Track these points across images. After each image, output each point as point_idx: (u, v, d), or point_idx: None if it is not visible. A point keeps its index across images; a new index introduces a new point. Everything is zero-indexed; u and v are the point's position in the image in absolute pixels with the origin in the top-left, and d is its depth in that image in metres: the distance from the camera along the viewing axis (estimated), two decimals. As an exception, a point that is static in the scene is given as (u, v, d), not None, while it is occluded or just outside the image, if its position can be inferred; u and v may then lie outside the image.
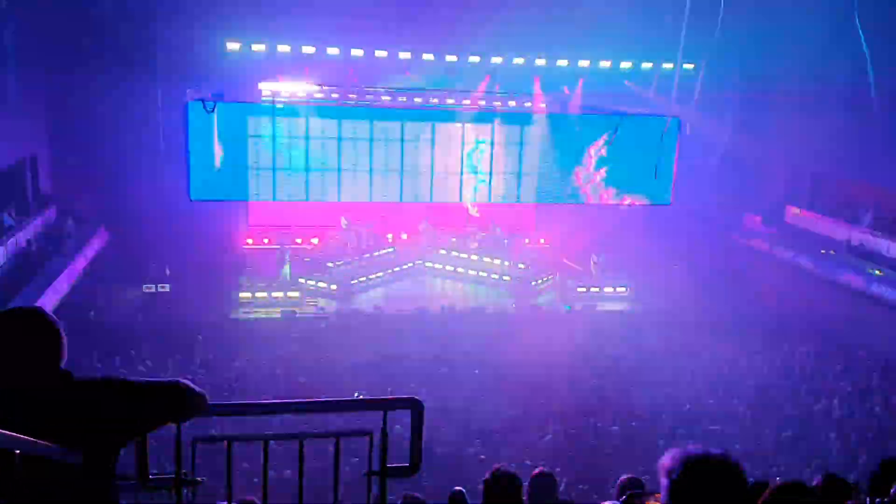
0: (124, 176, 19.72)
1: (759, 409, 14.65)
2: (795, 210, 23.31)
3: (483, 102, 23.92)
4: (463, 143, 24.78)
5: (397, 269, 22.56)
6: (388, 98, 23.17)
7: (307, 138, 23.64)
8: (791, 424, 13.95)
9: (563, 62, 22.75)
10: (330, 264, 21.91)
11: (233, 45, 20.89)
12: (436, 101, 23.58)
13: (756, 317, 19.39)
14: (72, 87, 19.62)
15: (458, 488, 4.34)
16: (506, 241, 23.71)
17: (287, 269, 21.28)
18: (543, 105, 24.37)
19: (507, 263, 22.77)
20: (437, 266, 22.93)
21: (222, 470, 2.98)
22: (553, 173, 25.53)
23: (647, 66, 22.95)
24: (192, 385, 2.58)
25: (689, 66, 22.75)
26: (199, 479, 3.00)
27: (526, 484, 4.56)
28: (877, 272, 18.97)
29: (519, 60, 22.60)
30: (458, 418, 13.16)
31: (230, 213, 23.08)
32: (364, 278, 21.61)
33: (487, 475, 4.25)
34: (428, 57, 22.20)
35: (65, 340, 2.45)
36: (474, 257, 23.07)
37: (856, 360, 17.53)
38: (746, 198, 24.11)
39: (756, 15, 19.94)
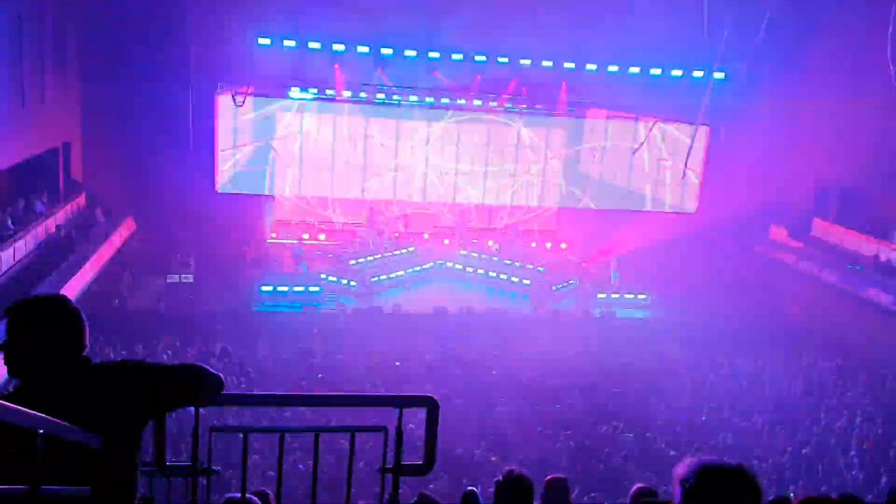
0: (153, 167, 19.98)
1: (778, 423, 14.46)
2: (823, 223, 23.00)
3: (510, 104, 23.91)
4: (489, 144, 24.81)
5: (418, 268, 22.60)
6: (416, 98, 23.23)
7: (334, 135, 23.80)
8: (810, 441, 13.76)
9: (592, 66, 22.62)
10: (352, 262, 22.03)
11: (264, 41, 21.06)
12: (463, 101, 23.59)
13: (779, 330, 19.16)
14: (106, 78, 19.95)
15: (470, 488, 4.34)
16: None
17: (304, 264, 21.48)
18: (571, 109, 24.31)
19: (528, 266, 22.71)
20: (457, 267, 22.94)
21: (236, 461, 3.01)
22: (576, 177, 25.49)
23: (677, 73, 22.77)
24: (206, 367, 2.63)
25: (720, 76, 22.58)
26: (215, 468, 3.03)
27: (539, 489, 4.55)
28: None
29: (547, 63, 22.52)
30: (471, 420, 13.16)
31: (255, 206, 23.31)
32: (384, 276, 21.69)
33: (500, 477, 4.25)
34: (457, 57, 22.22)
35: (86, 329, 2.50)
36: (495, 259, 23.06)
37: (879, 377, 17.25)
38: (773, 209, 23.84)
39: (789, 27, 19.73)
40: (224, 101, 21.84)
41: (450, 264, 23.02)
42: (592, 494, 10.26)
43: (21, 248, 15.65)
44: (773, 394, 16.05)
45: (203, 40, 20.58)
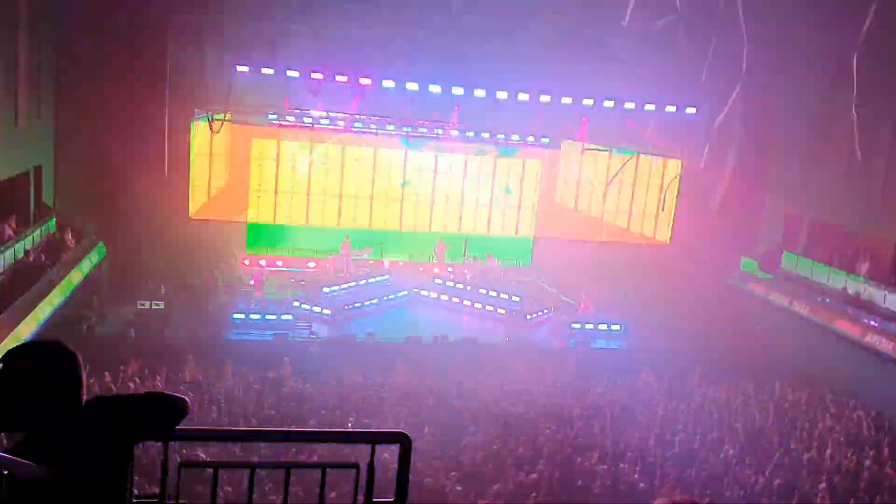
0: (126, 191, 19.79)
1: (749, 454, 14.55)
2: (792, 256, 23.41)
3: (486, 135, 24.16)
4: (465, 174, 25.02)
5: (392, 296, 22.56)
6: (393, 127, 23.39)
7: (310, 162, 23.85)
8: (781, 472, 13.85)
9: (567, 100, 22.97)
10: (325, 289, 21.92)
11: (242, 68, 21.10)
12: (440, 132, 23.80)
13: (749, 361, 19.37)
14: (80, 102, 19.81)
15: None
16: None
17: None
18: (546, 139, 24.64)
19: (503, 296, 22.78)
20: (431, 295, 22.93)
21: (206, 494, 2.97)
22: (551, 207, 25.76)
23: (650, 107, 23.21)
24: (170, 393, 2.64)
25: (692, 111, 23.08)
26: (183, 502, 2.98)
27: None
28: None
29: (524, 96, 22.82)
30: (443, 450, 13.07)
31: (229, 233, 23.13)
32: (358, 304, 21.59)
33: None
34: (435, 89, 22.45)
35: (83, 373, 2.47)
36: (468, 288, 23.10)
37: (848, 409, 17.47)
38: (744, 242, 24.23)
39: (760, 63, 20.24)
40: (200, 127, 21.79)
41: (424, 293, 23.01)
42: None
43: (-12, 272, 15.36)
44: (744, 424, 16.17)
45: (180, 65, 20.58)
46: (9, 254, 16.50)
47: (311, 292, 21.74)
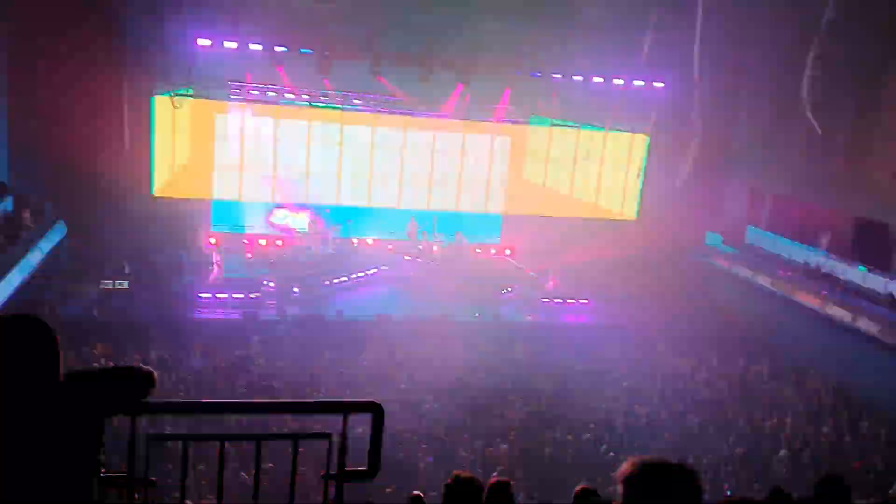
0: (86, 168, 19.28)
1: (712, 423, 14.89)
2: (756, 230, 23.78)
3: (454, 110, 24.01)
4: (433, 151, 24.89)
5: (361, 274, 22.44)
6: (360, 102, 23.12)
7: (275, 139, 23.51)
8: (743, 440, 14.20)
9: (536, 74, 22.91)
10: (294, 268, 21.72)
11: (204, 41, 20.60)
12: (407, 106, 23.60)
13: (713, 333, 19.74)
14: (35, 75, 19.20)
15: (416, 492, 4.32)
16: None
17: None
18: (514, 115, 24.59)
19: (470, 272, 22.80)
20: (401, 272, 22.87)
21: (175, 470, 2.93)
22: (520, 184, 25.80)
23: (618, 81, 23.25)
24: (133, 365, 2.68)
25: (659, 85, 23.19)
26: (152, 478, 2.93)
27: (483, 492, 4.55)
28: None
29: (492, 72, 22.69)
30: (413, 425, 13.14)
31: (193, 211, 22.72)
32: (327, 282, 21.45)
33: (448, 479, 4.24)
34: (402, 63, 22.20)
35: (60, 349, 2.47)
36: (438, 265, 23.07)
37: (808, 379, 17.93)
38: (709, 216, 24.55)
39: (724, 37, 20.40)
40: (162, 102, 21.31)
41: (394, 270, 22.94)
42: (534, 496, 10.36)
43: (-57, 252, 14.94)
44: (708, 395, 16.52)
45: (140, 39, 20.04)
46: (-35, 233, 16.05)
47: (279, 270, 21.52)
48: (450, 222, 24.69)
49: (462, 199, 25.48)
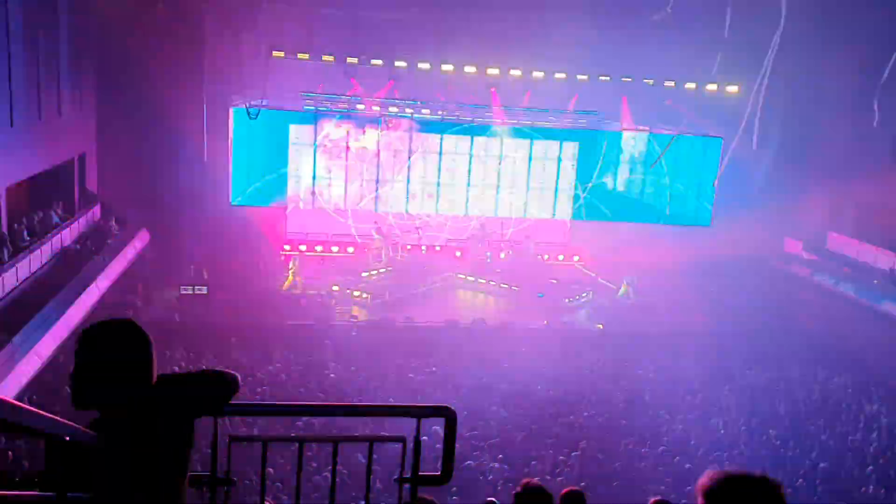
0: (167, 178, 20.13)
1: (793, 438, 14.31)
2: (838, 237, 22.84)
3: (523, 117, 23.94)
4: (501, 157, 24.84)
5: (430, 281, 22.58)
6: (429, 111, 23.32)
7: (347, 147, 23.92)
8: (826, 456, 13.61)
9: (605, 78, 22.63)
10: (364, 274, 22.05)
11: (278, 53, 21.20)
12: (475, 115, 23.67)
13: (794, 344, 19.01)
14: (121, 90, 20.15)
15: (491, 499, 4.32)
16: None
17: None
18: (583, 122, 24.33)
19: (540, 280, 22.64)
20: (469, 279, 22.92)
21: (249, 471, 3.01)
22: (593, 190, 25.48)
23: (690, 86, 22.76)
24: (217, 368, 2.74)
25: (734, 89, 22.58)
26: (233, 478, 3.03)
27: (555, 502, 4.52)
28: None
29: (560, 76, 22.55)
30: (484, 432, 13.10)
31: (269, 219, 23.36)
32: (397, 288, 21.67)
33: (518, 488, 4.22)
34: (470, 70, 22.31)
35: (154, 352, 2.55)
36: (506, 272, 23.00)
37: (894, 391, 17.06)
38: (788, 223, 23.71)
39: (803, 41, 19.69)
40: (238, 114, 22.01)
41: (461, 276, 23.00)
42: (607, 508, 10.18)
43: (37, 259, 15.78)
44: (789, 408, 15.90)
45: (217, 52, 20.78)
46: (55, 241, 16.92)
47: (350, 277, 21.88)
48: (518, 229, 24.65)
49: (530, 204, 25.32)
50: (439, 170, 24.54)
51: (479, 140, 24.52)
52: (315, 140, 23.64)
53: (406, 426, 2.93)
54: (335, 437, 2.94)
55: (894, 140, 19.50)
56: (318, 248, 23.91)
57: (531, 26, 20.32)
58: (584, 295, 22.46)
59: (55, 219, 17.61)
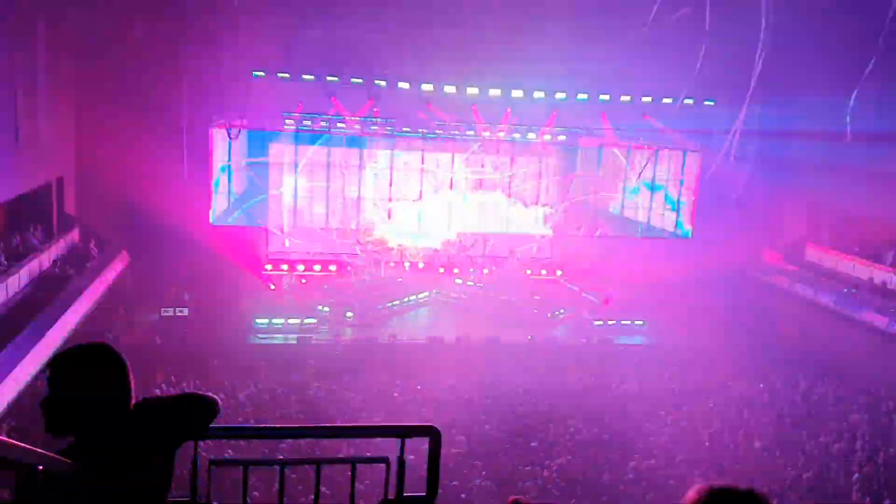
0: (147, 199, 19.94)
1: (777, 448, 14.37)
2: (816, 247, 23.09)
3: (502, 134, 24.06)
4: (484, 173, 24.93)
5: (413, 297, 22.54)
6: (408, 129, 23.39)
7: (328, 167, 23.91)
8: (811, 465, 13.67)
9: (583, 96, 22.85)
10: (347, 292, 21.95)
11: (258, 73, 21.20)
12: (456, 132, 23.76)
13: (775, 354, 19.13)
14: (99, 110, 20.00)
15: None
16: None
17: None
18: (563, 137, 24.49)
19: (523, 294, 22.68)
20: (452, 296, 22.89)
21: (230, 494, 2.97)
22: (572, 205, 25.62)
23: (667, 101, 23.02)
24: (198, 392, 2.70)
25: (710, 103, 22.86)
26: (214, 503, 2.99)
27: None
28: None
29: (539, 94, 22.73)
30: (469, 448, 13.04)
31: (250, 238, 23.25)
32: (380, 306, 21.60)
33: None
34: (450, 89, 22.42)
35: (131, 376, 2.49)
36: (489, 288, 23.01)
37: (876, 399, 17.20)
38: (767, 234, 23.95)
39: (781, 53, 19.98)
40: (218, 134, 21.94)
41: (445, 293, 22.98)
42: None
43: (14, 283, 15.57)
44: (772, 418, 15.97)
45: (197, 73, 20.72)
46: (34, 264, 16.72)
47: (332, 295, 21.78)
48: (500, 243, 24.72)
49: (511, 219, 25.41)
50: (420, 187, 24.59)
51: (459, 156, 24.61)
52: (295, 159, 23.61)
53: (390, 446, 2.91)
54: (317, 458, 2.91)
55: (867, 153, 19.77)
56: (300, 267, 23.78)
57: (509, 46, 20.45)
58: (562, 311, 22.45)
59: (34, 242, 17.41)
